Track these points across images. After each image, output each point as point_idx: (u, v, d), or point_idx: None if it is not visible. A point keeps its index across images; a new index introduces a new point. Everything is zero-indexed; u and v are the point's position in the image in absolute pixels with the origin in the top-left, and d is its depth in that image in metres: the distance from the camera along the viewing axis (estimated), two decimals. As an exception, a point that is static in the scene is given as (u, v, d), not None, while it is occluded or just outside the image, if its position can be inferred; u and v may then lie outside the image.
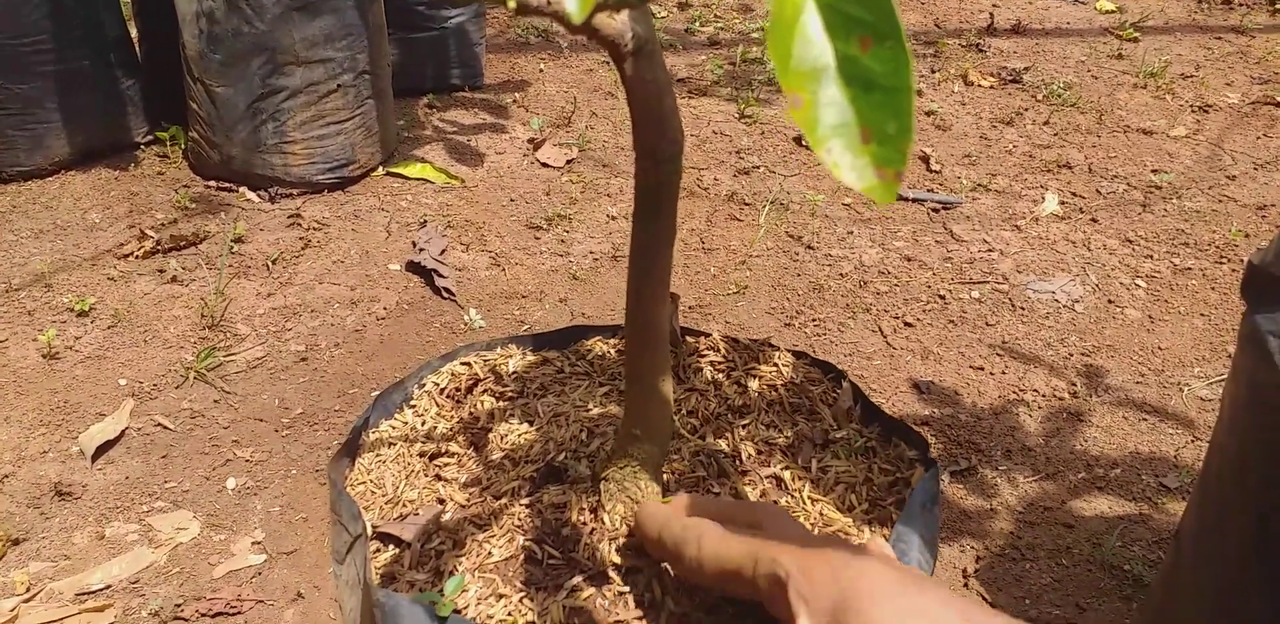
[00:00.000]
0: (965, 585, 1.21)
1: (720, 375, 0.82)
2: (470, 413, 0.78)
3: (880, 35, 0.34)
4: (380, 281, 1.76)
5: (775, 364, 0.85)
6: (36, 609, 1.09)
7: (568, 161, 2.19)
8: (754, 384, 0.80)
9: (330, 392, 1.48)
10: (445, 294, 1.73)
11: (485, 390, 0.80)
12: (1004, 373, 1.58)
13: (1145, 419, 1.49)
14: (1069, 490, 1.35)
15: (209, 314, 1.62)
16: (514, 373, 0.83)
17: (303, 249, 1.83)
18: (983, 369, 1.58)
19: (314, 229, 1.90)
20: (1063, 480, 1.37)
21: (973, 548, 1.27)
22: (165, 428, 1.39)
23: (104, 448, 1.34)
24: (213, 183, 2.04)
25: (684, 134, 0.57)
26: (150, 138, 2.17)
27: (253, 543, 1.21)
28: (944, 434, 1.45)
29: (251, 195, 2.02)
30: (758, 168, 2.18)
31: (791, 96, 0.36)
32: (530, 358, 0.85)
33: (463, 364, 0.84)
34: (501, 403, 0.81)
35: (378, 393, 0.78)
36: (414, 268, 1.80)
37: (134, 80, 2.10)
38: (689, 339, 0.86)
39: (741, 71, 2.65)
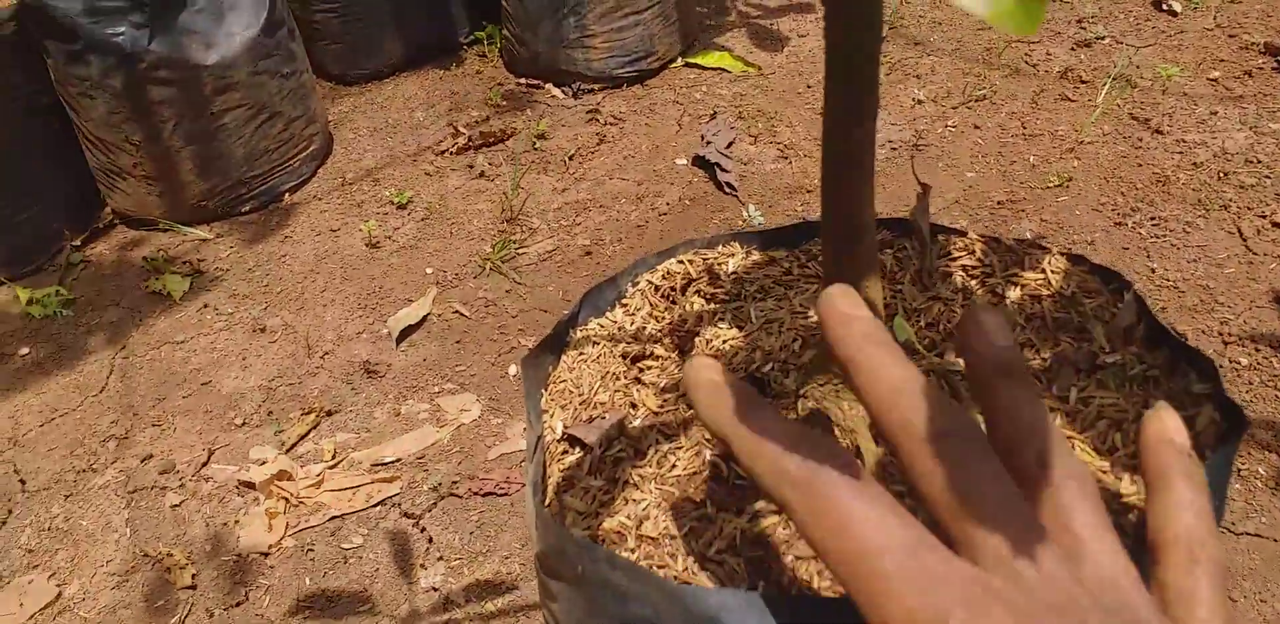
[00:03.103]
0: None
1: (974, 282, 0.69)
2: (679, 315, 0.72)
3: None
4: (666, 176, 1.73)
5: (1043, 270, 0.70)
6: (339, 476, 1.21)
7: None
8: (1013, 293, 0.67)
9: (609, 286, 1.50)
10: (728, 189, 1.66)
11: (697, 291, 0.73)
12: None
13: None
14: None
15: (508, 207, 1.68)
16: (733, 273, 0.75)
17: (598, 144, 1.84)
18: (1379, 284, 1.27)
19: (610, 124, 1.89)
20: None
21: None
22: (462, 315, 1.48)
23: (408, 331, 1.45)
24: (522, 80, 2.10)
25: None
26: (471, 38, 2.26)
27: (525, 428, 1.26)
28: (1311, 361, 1.18)
29: (556, 91, 2.05)
30: (1102, 39, 1.86)
31: None
32: (755, 257, 0.77)
33: (679, 262, 0.77)
34: (712, 305, 0.74)
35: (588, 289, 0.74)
36: (700, 162, 1.75)
37: (456, -20, 2.19)
38: (939, 238, 0.73)
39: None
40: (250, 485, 1.21)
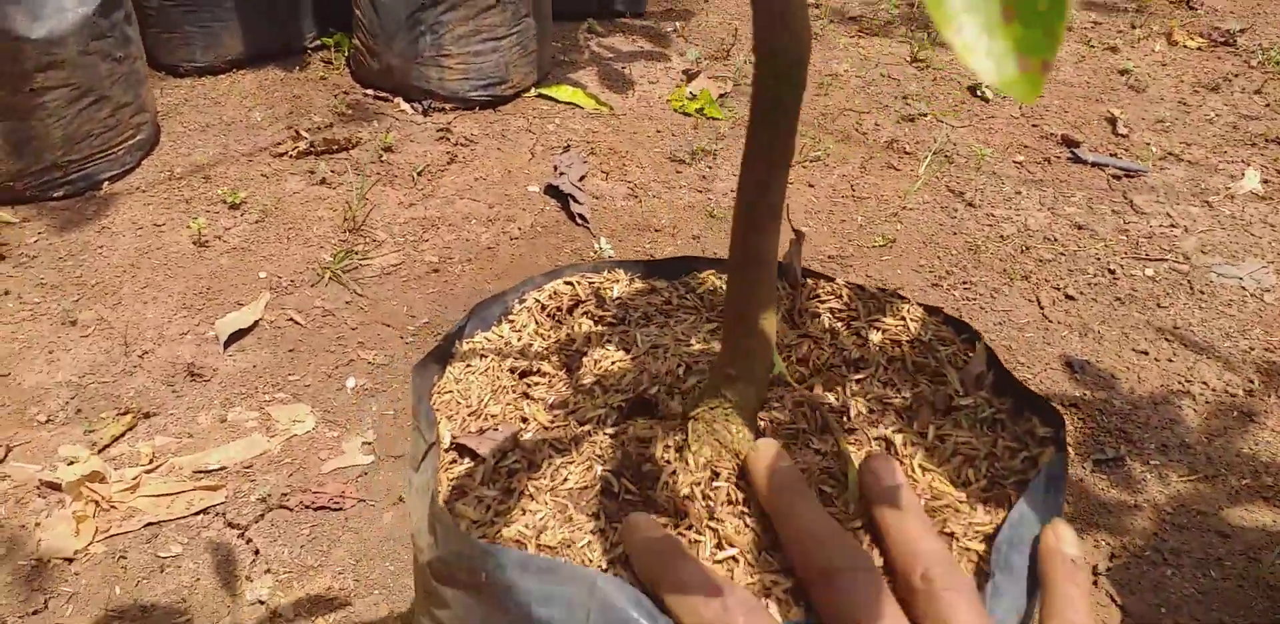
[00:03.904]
0: (1094, 584, 1.12)
1: (839, 324, 0.75)
2: (567, 334, 0.74)
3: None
4: (518, 202, 1.74)
5: (903, 318, 0.77)
6: (156, 481, 1.13)
7: (720, 95, 2.11)
8: (875, 337, 0.73)
9: (457, 305, 1.48)
10: (579, 220, 1.69)
11: (585, 313, 0.75)
12: (1170, 360, 1.44)
13: (1329, 427, 1.33)
14: (1229, 496, 1.23)
15: (351, 217, 1.63)
16: (618, 298, 0.78)
17: (448, 163, 1.83)
18: (1147, 354, 1.45)
19: (461, 145, 1.89)
20: (1223, 484, 1.24)
21: (1108, 545, 1.17)
22: (296, 323, 1.42)
23: (237, 336, 1.38)
24: (370, 91, 2.06)
25: (811, 33, 0.49)
26: (317, 43, 2.19)
27: (363, 443, 1.22)
28: (1093, 419, 1.33)
29: (405, 106, 2.02)
30: (924, 115, 2.04)
31: None
32: (637, 285, 0.80)
33: (566, 283, 0.79)
34: (600, 327, 0.77)
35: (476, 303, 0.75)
36: (552, 191, 1.77)
37: (307, -17, 2.13)
38: (809, 282, 0.79)
39: (919, 13, 2.48)
40: (54, 486, 1.10)
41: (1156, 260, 1.63)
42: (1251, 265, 1.62)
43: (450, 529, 0.55)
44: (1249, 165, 1.89)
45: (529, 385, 0.71)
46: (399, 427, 1.26)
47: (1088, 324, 1.50)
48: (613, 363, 0.72)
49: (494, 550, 0.52)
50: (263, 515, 1.11)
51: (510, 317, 0.78)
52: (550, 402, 0.69)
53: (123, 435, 1.19)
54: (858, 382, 0.70)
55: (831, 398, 0.69)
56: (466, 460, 0.64)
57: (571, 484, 0.61)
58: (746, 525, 0.57)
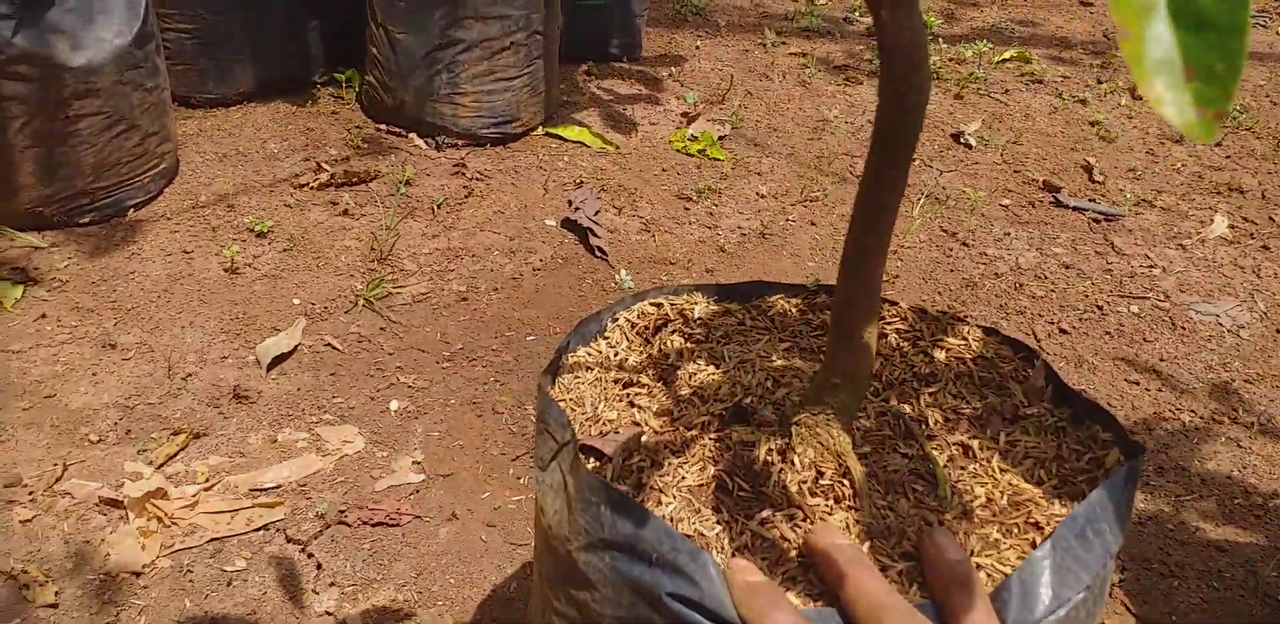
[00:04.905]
0: (1109, 596, 1.19)
1: (905, 343, 0.82)
2: (660, 350, 0.80)
3: (1223, -28, 0.34)
4: (537, 235, 1.80)
5: (965, 338, 0.84)
6: (215, 498, 1.15)
7: (720, 138, 2.21)
8: (940, 355, 0.80)
9: (488, 332, 1.53)
10: (598, 253, 1.76)
11: (674, 331, 0.82)
12: (1160, 390, 1.54)
13: (1308, 452, 1.44)
14: (1224, 515, 1.32)
15: (378, 247, 1.68)
16: (699, 319, 0.85)
17: (466, 197, 1.89)
18: (1138, 384, 1.55)
19: (477, 179, 1.95)
20: (1218, 504, 1.34)
21: (1119, 560, 1.25)
22: (334, 348, 1.46)
23: (278, 360, 1.41)
24: (383, 126, 2.12)
25: (930, 85, 0.58)
26: (327, 78, 2.25)
27: (412, 463, 1.26)
28: (1092, 442, 1.42)
29: (419, 142, 2.09)
30: (914, 160, 2.16)
31: (1121, 29, 0.36)
32: (714, 307, 0.87)
33: (652, 304, 0.86)
34: (689, 344, 0.84)
35: (582, 318, 0.81)
36: (569, 225, 1.84)
37: (318, 20, 2.19)
38: (880, 303, 0.87)
39: (903, 66, 2.62)
40: (113, 503, 1.12)
41: (1140, 298, 1.75)
42: (1226, 304, 1.74)
43: (629, 507, 0.61)
44: (1216, 212, 2.03)
45: (632, 395, 0.78)
46: (445, 447, 1.30)
47: (1082, 356, 1.60)
48: (707, 375, 0.79)
49: (670, 531, 0.58)
50: (322, 531, 1.14)
51: (605, 334, 0.85)
52: (655, 409, 0.75)
53: (176, 454, 1.22)
54: (930, 394, 0.78)
55: (908, 409, 0.76)
56: (592, 460, 0.70)
57: (690, 482, 0.68)
58: (854, 520, 0.64)
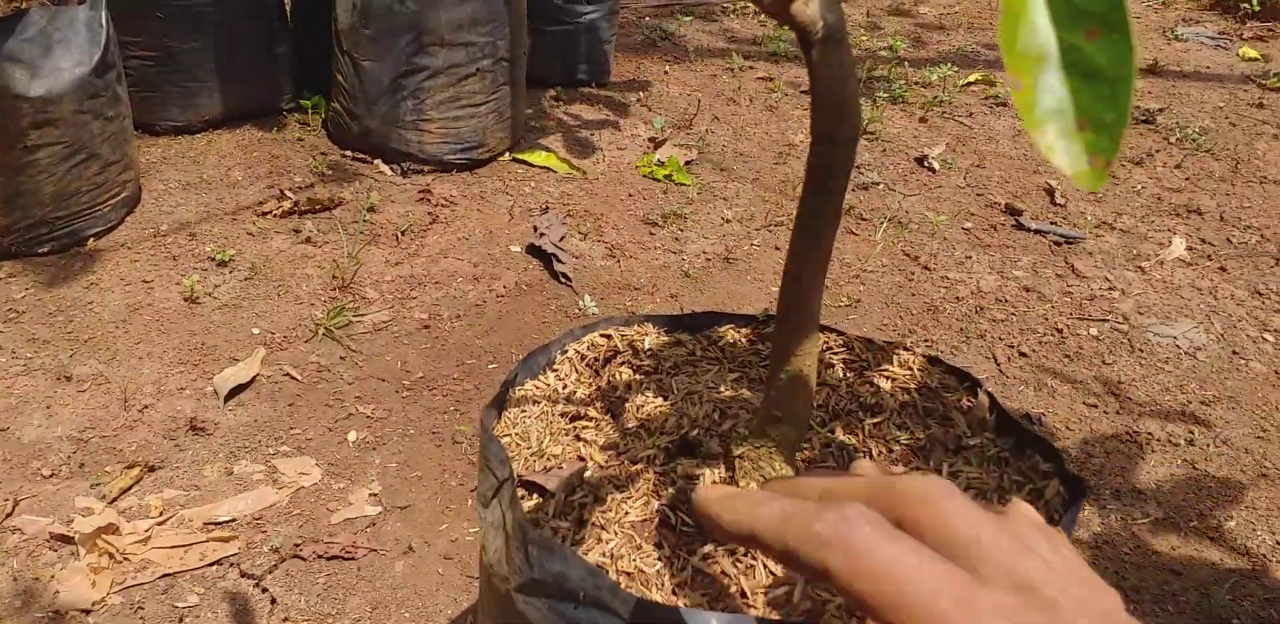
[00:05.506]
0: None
1: (851, 373, 0.83)
2: (608, 382, 0.80)
3: (1109, 26, 0.35)
4: (501, 261, 1.80)
5: (909, 368, 0.85)
6: (168, 532, 1.14)
7: (686, 162, 2.22)
8: (885, 384, 0.81)
9: (450, 360, 1.53)
10: (563, 279, 1.77)
11: (624, 363, 0.82)
12: (1118, 413, 1.55)
13: (1266, 475, 1.45)
14: (1179, 537, 1.33)
15: (340, 276, 1.68)
16: (649, 350, 0.86)
17: (430, 223, 1.89)
18: (1096, 407, 1.56)
19: (442, 205, 1.95)
20: (1173, 527, 1.35)
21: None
22: (293, 378, 1.45)
23: (236, 390, 1.40)
24: (349, 153, 2.12)
25: (861, 120, 0.59)
26: (293, 105, 2.25)
27: (370, 494, 1.25)
28: (1051, 466, 1.43)
29: (385, 168, 2.09)
30: (877, 184, 2.18)
31: (1014, 79, 0.37)
32: (664, 338, 0.88)
33: (602, 336, 0.87)
34: (638, 376, 0.84)
35: (527, 353, 0.81)
36: (534, 251, 1.84)
37: (285, 48, 2.19)
38: (821, 335, 0.88)
39: (866, 88, 2.65)
40: (64, 539, 1.10)
41: (1099, 321, 1.76)
42: (1184, 326, 1.76)
43: (556, 549, 0.61)
44: (1174, 234, 2.05)
45: (579, 429, 0.78)
46: (403, 478, 1.30)
47: (1041, 379, 1.61)
48: (654, 407, 0.79)
49: (596, 572, 0.58)
50: (276, 565, 1.13)
51: (554, 366, 0.85)
52: (601, 443, 0.75)
53: (130, 488, 1.21)
54: (874, 424, 0.79)
55: (852, 440, 0.77)
56: (535, 496, 0.70)
57: (633, 517, 0.68)
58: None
